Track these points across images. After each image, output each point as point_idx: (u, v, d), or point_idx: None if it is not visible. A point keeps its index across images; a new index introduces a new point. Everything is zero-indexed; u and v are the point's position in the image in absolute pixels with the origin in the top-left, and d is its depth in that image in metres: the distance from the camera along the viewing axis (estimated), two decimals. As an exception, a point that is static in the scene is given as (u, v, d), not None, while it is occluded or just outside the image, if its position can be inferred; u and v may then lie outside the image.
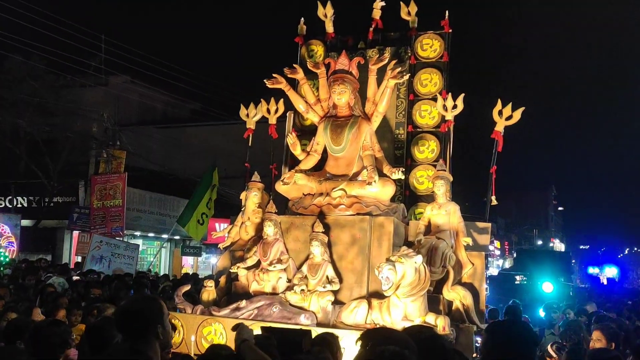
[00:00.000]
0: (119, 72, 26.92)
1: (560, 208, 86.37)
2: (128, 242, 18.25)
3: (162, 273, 24.00)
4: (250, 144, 9.55)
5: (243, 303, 7.10)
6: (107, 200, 18.80)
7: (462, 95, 8.52)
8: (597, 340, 5.83)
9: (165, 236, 22.46)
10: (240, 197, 8.57)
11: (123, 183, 19.11)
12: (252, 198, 8.19)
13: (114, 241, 16.45)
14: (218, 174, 14.48)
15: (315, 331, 5.68)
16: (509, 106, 8.34)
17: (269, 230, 7.49)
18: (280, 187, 8.01)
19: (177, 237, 24.48)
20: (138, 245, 17.43)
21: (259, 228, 7.91)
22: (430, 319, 6.43)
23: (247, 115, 9.51)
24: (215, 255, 25.04)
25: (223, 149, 23.83)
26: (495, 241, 48.28)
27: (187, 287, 7.84)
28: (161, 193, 23.91)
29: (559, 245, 78.28)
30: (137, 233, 23.06)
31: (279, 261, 7.38)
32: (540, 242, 68.59)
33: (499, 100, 8.40)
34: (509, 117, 8.35)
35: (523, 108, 8.34)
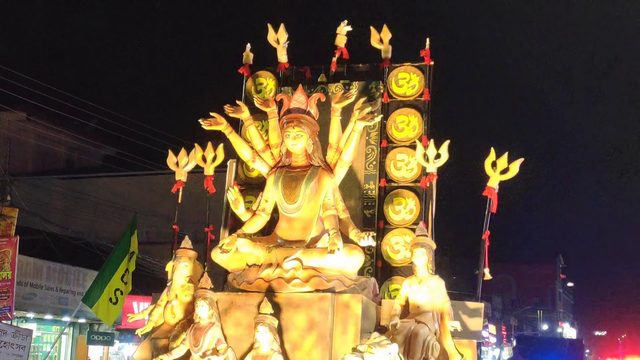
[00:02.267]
0: (11, 108, 26.67)
1: (569, 284, 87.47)
2: (18, 326, 17.76)
3: (61, 367, 23.37)
4: (180, 201, 9.50)
5: (167, 407, 6.97)
6: (-9, 271, 18.34)
7: (447, 142, 8.69)
8: None
9: (66, 319, 21.88)
10: (166, 269, 8.49)
11: (13, 249, 18.68)
12: (181, 270, 8.11)
13: (0, 325, 15.99)
14: (137, 238, 14.30)
15: None
16: (505, 157, 8.54)
17: (203, 311, 7.41)
18: (217, 256, 7.95)
19: (82, 321, 23.92)
20: (31, 331, 16.95)
21: (190, 309, 7.82)
22: None
23: (177, 163, 9.50)
24: (131, 344, 24.52)
25: (144, 206, 23.65)
26: (489, 325, 48.47)
27: (94, 386, 7.67)
28: (63, 263, 23.43)
29: (569, 331, 78.98)
30: (30, 315, 22.45)
31: (215, 352, 7.29)
32: (546, 327, 69.09)
33: (492, 150, 8.59)
34: (505, 171, 8.53)
35: (522, 159, 8.55)
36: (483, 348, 42.83)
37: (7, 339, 15.30)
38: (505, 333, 56.96)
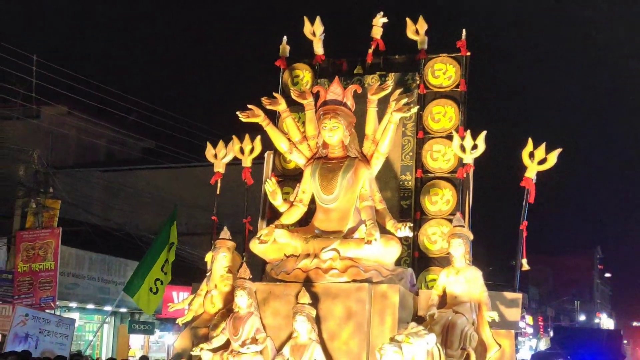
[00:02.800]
0: (53, 102, 26.99)
1: (607, 275, 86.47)
2: (61, 316, 18.00)
3: (103, 356, 23.66)
4: (218, 192, 9.56)
5: (207, 395, 7.02)
6: (35, 262, 18.58)
7: (484, 132, 8.62)
8: None
9: (108, 308, 22.15)
10: (205, 259, 8.52)
11: (56, 240, 18.91)
12: (220, 260, 8.15)
13: (44, 315, 16.22)
14: (177, 229, 14.40)
15: None
16: (542, 147, 8.45)
17: (242, 301, 7.44)
18: (256, 247, 7.99)
19: (123, 310, 24.16)
20: (74, 320, 17.17)
21: (229, 299, 7.85)
22: (446, 415, 6.37)
23: (215, 155, 9.55)
24: (171, 333, 24.69)
25: (183, 198, 23.76)
26: (526, 316, 48.11)
27: (135, 375, 7.75)
28: (104, 254, 23.67)
29: (606, 322, 78.17)
30: (73, 304, 22.72)
31: (254, 341, 7.31)
32: (583, 318, 68.45)
33: (530, 140, 8.51)
34: (543, 161, 8.45)
35: (560, 150, 8.46)
36: (520, 339, 42.54)
37: (51, 327, 15.52)
38: (542, 324, 56.51)
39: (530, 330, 51.78)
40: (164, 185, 27.84)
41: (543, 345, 50.53)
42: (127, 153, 32.88)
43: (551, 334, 44.78)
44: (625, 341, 38.76)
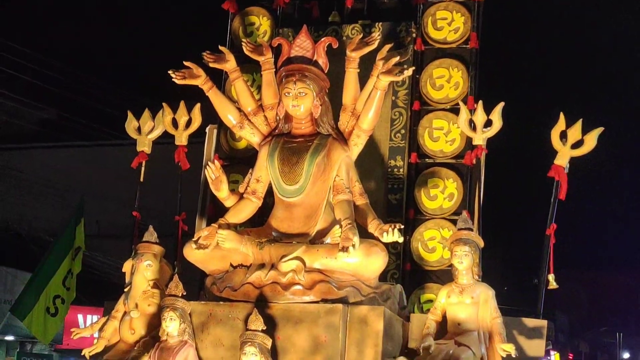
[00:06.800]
0: None
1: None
2: None
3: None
4: (142, 179, 9.52)
5: None
6: None
7: (501, 104, 8.64)
8: None
9: (-10, 336, 22.04)
10: (123, 270, 8.49)
11: None
12: (142, 271, 8.12)
13: None
14: (85, 229, 14.33)
15: None
16: (578, 125, 8.48)
17: (172, 326, 7.42)
18: (192, 254, 7.96)
19: (10, 338, 24.12)
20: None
21: (154, 323, 7.86)
22: None
23: (139, 129, 9.50)
24: (76, 370, 24.68)
25: (94, 187, 23.69)
26: (552, 353, 48.48)
27: None
28: (-14, 261, 23.60)
29: (657, 360, 79.07)
30: (-56, 329, 22.67)
31: (188, 380, 7.33)
32: (627, 355, 69.14)
33: (562, 115, 8.53)
34: (578, 144, 8.47)
35: (601, 129, 8.48)
36: (543, 381, 42.87)
37: None
38: (573, 362, 57.08)
39: (557, 370, 52.24)
40: (68, 170, 27.70)
41: (573, 390, 51.04)
42: (20, 126, 32.61)
43: (585, 375, 45.26)
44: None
